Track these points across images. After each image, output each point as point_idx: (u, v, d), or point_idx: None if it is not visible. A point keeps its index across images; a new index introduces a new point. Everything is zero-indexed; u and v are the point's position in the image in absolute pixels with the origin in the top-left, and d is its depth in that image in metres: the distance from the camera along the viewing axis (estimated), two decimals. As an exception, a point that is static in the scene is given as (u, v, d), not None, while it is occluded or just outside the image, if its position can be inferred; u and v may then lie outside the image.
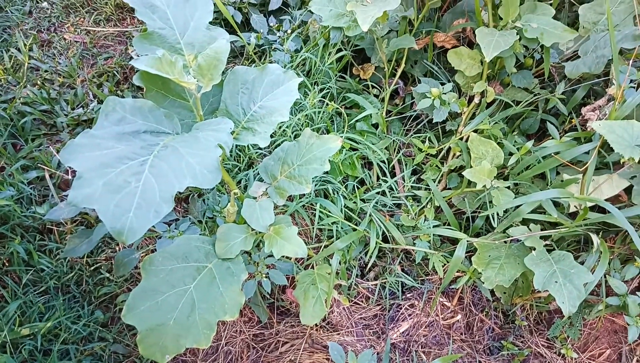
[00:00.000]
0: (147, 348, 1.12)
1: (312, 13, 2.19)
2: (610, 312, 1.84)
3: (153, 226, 1.64)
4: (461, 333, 1.93)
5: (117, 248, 1.92)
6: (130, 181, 0.87)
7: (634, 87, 1.60)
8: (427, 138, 2.12)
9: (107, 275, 1.84)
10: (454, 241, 1.98)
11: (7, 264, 1.77)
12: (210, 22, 1.18)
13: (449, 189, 2.06)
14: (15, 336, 1.57)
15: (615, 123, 1.43)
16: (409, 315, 1.92)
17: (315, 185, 1.96)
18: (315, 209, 1.92)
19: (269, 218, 1.33)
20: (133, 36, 2.61)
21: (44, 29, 2.59)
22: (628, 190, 1.69)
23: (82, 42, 2.55)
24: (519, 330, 1.93)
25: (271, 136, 1.42)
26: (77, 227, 1.91)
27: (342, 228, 1.92)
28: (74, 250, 1.61)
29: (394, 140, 2.16)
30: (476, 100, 1.98)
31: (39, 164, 2.01)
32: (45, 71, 2.36)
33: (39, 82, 2.30)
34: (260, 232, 1.37)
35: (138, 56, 1.00)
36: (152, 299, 1.17)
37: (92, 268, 1.86)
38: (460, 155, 2.02)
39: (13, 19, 2.57)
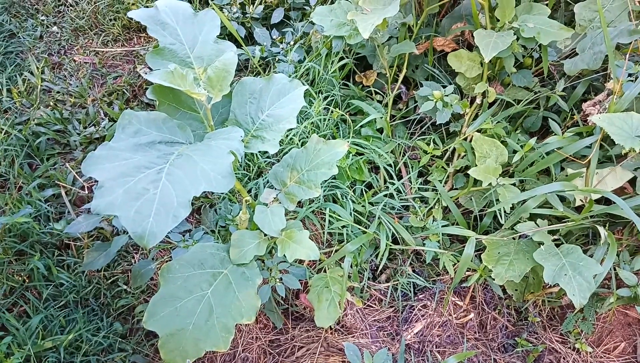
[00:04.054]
0: (168, 353, 1.16)
1: (314, 24, 2.24)
2: (622, 304, 1.84)
3: (168, 237, 1.69)
4: (475, 332, 1.94)
5: (133, 261, 1.97)
6: (148, 188, 0.92)
7: (632, 81, 1.63)
8: (431, 140, 2.16)
9: (125, 287, 1.89)
10: (463, 240, 2.00)
11: (27, 280, 1.83)
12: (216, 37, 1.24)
13: (456, 189, 2.09)
14: (39, 349, 1.61)
15: (614, 116, 1.46)
16: (422, 315, 1.94)
17: (324, 190, 2.00)
18: (324, 215, 1.95)
19: (281, 222, 1.36)
20: (140, 55, 2.69)
21: (54, 52, 2.67)
22: (633, 182, 1.71)
23: (91, 63, 2.62)
24: (532, 326, 1.95)
25: (279, 144, 1.46)
26: (94, 242, 1.95)
27: (352, 232, 1.95)
28: (92, 263, 1.67)
29: (399, 144, 2.20)
30: (478, 101, 2.02)
31: (54, 182, 2.07)
32: (58, 92, 2.44)
33: (51, 103, 2.37)
34: (272, 237, 1.40)
35: (146, 73, 1.05)
36: (171, 305, 1.21)
37: (110, 281, 1.90)
38: (465, 155, 2.05)
39: (25, 43, 2.66)
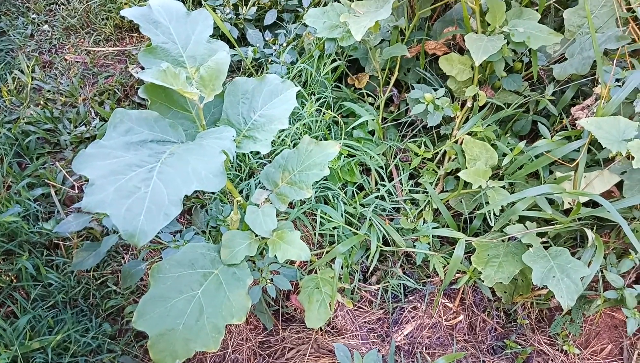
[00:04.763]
0: (157, 353, 1.15)
1: (307, 26, 2.25)
2: (609, 307, 1.87)
3: (159, 237, 1.69)
4: (464, 334, 1.96)
5: (122, 261, 1.96)
6: (139, 186, 0.91)
7: (619, 86, 1.66)
8: (422, 143, 2.17)
9: (114, 287, 1.87)
10: (453, 243, 2.02)
11: (15, 280, 1.81)
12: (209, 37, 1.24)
13: (446, 191, 2.10)
14: (26, 350, 1.59)
15: (602, 120, 1.49)
16: (412, 317, 1.95)
17: (316, 192, 2.01)
18: (316, 216, 1.96)
19: (272, 223, 1.36)
20: (132, 55, 2.67)
21: (45, 51, 2.65)
22: (620, 185, 1.74)
23: (82, 62, 2.61)
24: (521, 328, 1.96)
25: (271, 144, 1.47)
26: (83, 241, 1.94)
27: (343, 233, 1.96)
28: (81, 263, 1.65)
29: (390, 146, 2.21)
30: (468, 104, 2.03)
31: (44, 181, 2.06)
32: (48, 91, 2.42)
33: (42, 102, 2.35)
34: (263, 238, 1.40)
35: (138, 72, 1.05)
36: (161, 305, 1.20)
37: (99, 281, 1.89)
38: (455, 158, 2.07)
39: (15, 42, 2.64)
